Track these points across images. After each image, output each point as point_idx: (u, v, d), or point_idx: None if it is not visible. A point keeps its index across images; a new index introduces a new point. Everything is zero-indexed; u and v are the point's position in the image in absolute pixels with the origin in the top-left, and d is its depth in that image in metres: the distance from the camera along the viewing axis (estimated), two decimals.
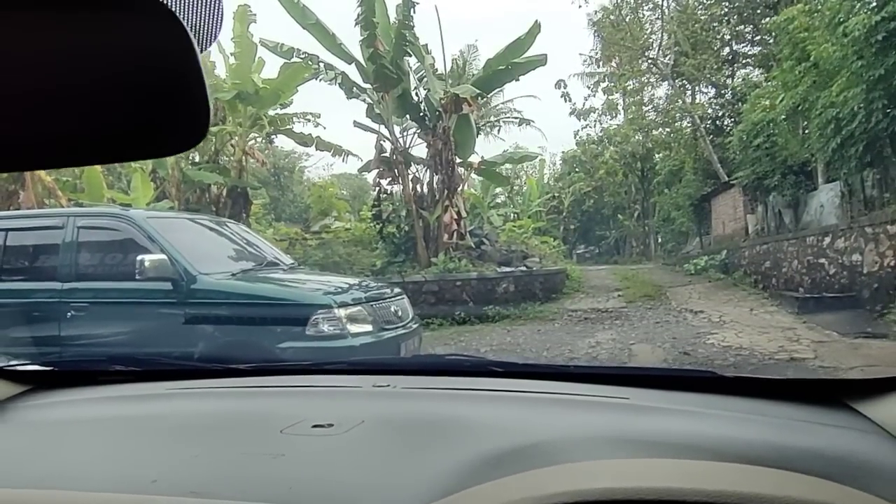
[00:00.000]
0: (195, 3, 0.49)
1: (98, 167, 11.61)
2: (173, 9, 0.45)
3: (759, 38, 16.82)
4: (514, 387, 1.12)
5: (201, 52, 0.46)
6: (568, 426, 0.93)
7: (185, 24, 0.44)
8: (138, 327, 4.59)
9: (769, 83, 12.30)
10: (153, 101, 0.47)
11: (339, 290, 4.83)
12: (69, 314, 4.59)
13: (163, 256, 4.43)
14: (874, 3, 7.25)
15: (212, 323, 4.46)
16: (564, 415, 0.98)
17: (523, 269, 10.84)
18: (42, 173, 11.69)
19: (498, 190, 23.79)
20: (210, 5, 0.49)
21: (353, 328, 4.33)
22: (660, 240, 24.68)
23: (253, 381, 1.28)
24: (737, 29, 17.66)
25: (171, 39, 0.43)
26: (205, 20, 0.50)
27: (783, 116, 10.27)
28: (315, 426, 0.93)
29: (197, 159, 12.69)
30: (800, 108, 9.60)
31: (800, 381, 1.06)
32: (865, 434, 0.87)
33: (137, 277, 4.38)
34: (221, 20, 0.51)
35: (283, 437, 0.91)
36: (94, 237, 4.96)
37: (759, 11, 16.23)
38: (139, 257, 4.39)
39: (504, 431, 0.91)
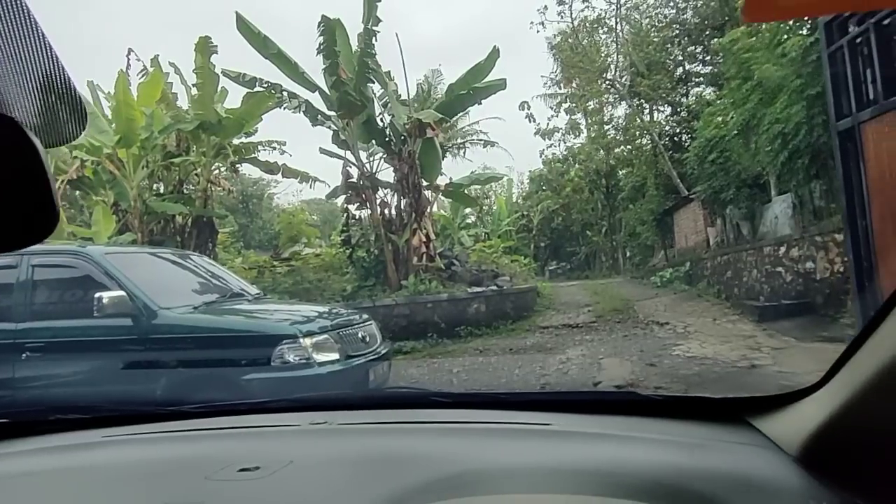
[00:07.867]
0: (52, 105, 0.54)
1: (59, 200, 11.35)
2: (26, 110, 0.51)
3: (709, 58, 17.59)
4: (448, 417, 1.17)
5: (67, 142, 0.51)
6: (493, 455, 0.97)
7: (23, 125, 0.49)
8: (98, 365, 4.50)
9: (720, 101, 12.84)
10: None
11: (306, 319, 4.81)
12: (24, 355, 4.47)
13: (121, 292, 4.37)
14: (809, 26, 7.71)
15: (174, 357, 4.39)
16: (491, 444, 1.02)
17: (494, 288, 10.92)
18: None
19: (468, 210, 24.03)
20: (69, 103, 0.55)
21: (320, 357, 4.32)
22: (628, 254, 25.16)
23: (188, 423, 1.29)
24: (688, 50, 18.45)
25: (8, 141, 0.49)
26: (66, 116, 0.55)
27: (735, 132, 10.71)
28: (241, 470, 0.94)
29: (161, 190, 12.51)
30: (749, 124, 10.06)
31: (708, 401, 1.14)
32: (760, 450, 0.94)
33: (96, 315, 4.31)
34: (84, 116, 0.57)
35: (208, 484, 0.92)
36: (50, 275, 4.87)
37: (707, 33, 17.02)
38: (97, 294, 4.33)
39: (432, 462, 0.94)
